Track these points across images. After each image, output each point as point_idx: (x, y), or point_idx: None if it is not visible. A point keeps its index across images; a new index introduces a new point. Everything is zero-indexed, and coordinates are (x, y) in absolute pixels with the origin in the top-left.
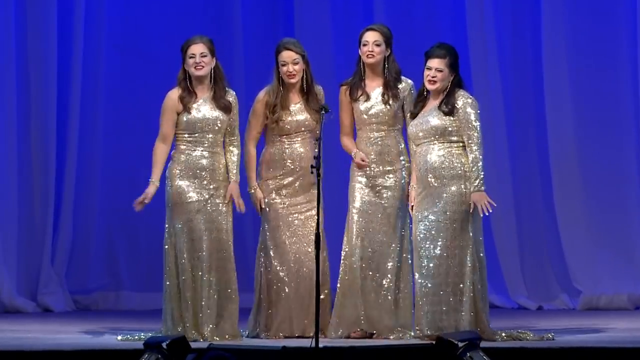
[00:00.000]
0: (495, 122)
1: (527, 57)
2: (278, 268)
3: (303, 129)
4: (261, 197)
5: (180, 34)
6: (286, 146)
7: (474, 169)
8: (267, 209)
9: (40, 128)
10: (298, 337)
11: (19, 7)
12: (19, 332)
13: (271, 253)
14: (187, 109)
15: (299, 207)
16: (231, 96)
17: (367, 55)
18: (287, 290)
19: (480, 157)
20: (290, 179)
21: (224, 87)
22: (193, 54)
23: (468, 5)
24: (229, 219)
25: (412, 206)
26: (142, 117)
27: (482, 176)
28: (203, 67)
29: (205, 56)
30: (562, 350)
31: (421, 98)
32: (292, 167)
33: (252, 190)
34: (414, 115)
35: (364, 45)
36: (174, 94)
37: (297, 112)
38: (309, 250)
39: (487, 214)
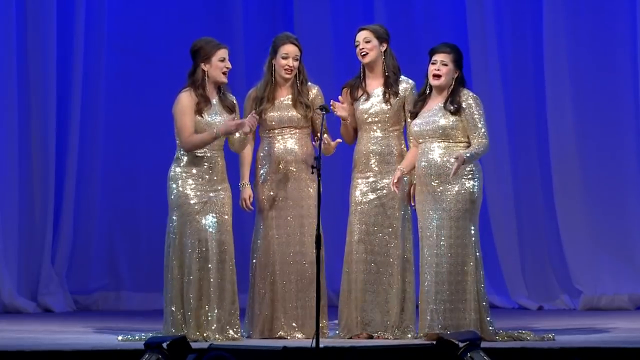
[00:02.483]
0: (496, 122)
1: (527, 56)
2: (268, 267)
3: (287, 124)
4: (247, 195)
5: (181, 34)
6: (271, 142)
7: (472, 149)
8: (259, 207)
9: (41, 128)
10: (279, 337)
11: (19, 7)
12: (20, 332)
13: (262, 252)
14: (201, 113)
15: (291, 205)
16: (233, 99)
17: (361, 54)
18: (274, 290)
19: (479, 151)
20: (282, 176)
21: (226, 90)
22: (223, 58)
23: (468, 5)
24: (230, 220)
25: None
26: (143, 116)
27: (473, 154)
28: (227, 73)
29: (229, 62)
30: (563, 351)
31: (422, 97)
32: (277, 163)
33: (240, 187)
34: (414, 115)
35: (356, 46)
36: (189, 96)
37: (282, 108)
38: (302, 250)
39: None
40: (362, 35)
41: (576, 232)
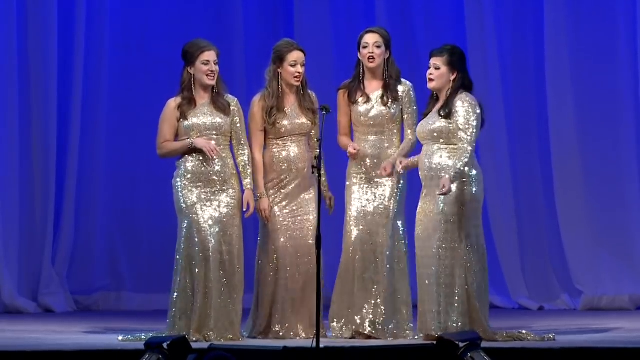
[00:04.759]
0: (496, 122)
1: (528, 55)
2: (274, 270)
3: (298, 131)
4: (266, 207)
5: (182, 33)
6: (281, 149)
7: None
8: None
9: (42, 128)
10: (280, 338)
11: (20, 6)
12: (20, 332)
13: (268, 255)
14: (185, 116)
15: (296, 209)
16: (232, 102)
17: (369, 58)
18: (281, 293)
19: (460, 163)
20: (287, 181)
21: (222, 90)
22: (207, 61)
23: (466, 5)
24: (238, 222)
25: (400, 162)
26: (144, 116)
27: (457, 170)
28: (215, 76)
29: (216, 64)
30: (563, 351)
31: (432, 99)
32: (289, 169)
33: (259, 198)
34: (424, 116)
35: (364, 47)
36: (173, 102)
37: (293, 115)
38: (305, 252)
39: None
40: (373, 39)
41: (577, 232)
